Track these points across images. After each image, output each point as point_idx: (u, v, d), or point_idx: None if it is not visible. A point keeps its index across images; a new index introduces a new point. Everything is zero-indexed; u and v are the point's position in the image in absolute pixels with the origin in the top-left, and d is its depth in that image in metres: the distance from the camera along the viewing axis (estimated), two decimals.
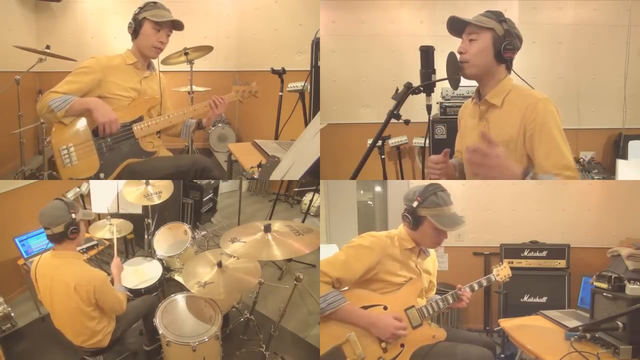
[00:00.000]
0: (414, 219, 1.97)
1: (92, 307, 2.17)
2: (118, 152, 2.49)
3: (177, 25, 2.53)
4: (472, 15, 1.91)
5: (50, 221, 2.12)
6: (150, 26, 2.47)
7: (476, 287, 2.18)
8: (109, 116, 2.38)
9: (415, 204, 1.96)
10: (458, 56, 1.88)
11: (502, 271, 2.27)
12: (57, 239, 2.16)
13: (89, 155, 2.43)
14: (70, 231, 2.14)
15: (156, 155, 2.62)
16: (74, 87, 2.37)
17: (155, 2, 2.51)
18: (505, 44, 1.82)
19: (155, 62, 2.66)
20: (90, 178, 2.46)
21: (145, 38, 2.49)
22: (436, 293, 2.22)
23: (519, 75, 1.93)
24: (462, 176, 2.15)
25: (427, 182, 2.05)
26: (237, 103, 2.88)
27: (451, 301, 2.10)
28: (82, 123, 2.42)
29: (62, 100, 2.32)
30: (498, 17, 1.85)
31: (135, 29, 2.49)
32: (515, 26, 1.87)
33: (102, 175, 2.45)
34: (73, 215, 2.14)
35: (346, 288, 1.99)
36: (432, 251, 2.20)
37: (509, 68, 1.92)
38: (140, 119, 2.54)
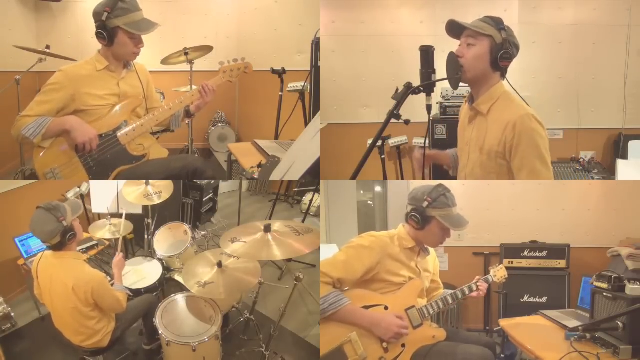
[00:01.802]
0: (422, 218, 1.99)
1: (90, 307, 2.16)
2: (106, 164, 2.39)
3: None
4: (472, 16, 1.92)
5: (45, 237, 2.09)
6: (127, 36, 2.28)
7: (474, 288, 2.17)
8: (89, 134, 2.26)
9: (425, 204, 1.98)
10: None
11: (498, 272, 2.27)
12: (56, 248, 2.15)
13: (76, 173, 2.34)
14: (67, 238, 2.12)
15: (147, 157, 2.51)
16: (46, 108, 2.24)
17: (123, 1, 2.26)
18: (503, 52, 1.82)
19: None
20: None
21: (122, 47, 2.32)
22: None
23: (512, 87, 1.94)
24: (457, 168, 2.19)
25: (427, 181, 2.06)
26: (236, 103, 2.87)
27: (450, 302, 2.10)
28: (62, 142, 2.31)
29: (36, 125, 2.20)
30: (497, 24, 1.85)
31: (109, 37, 2.27)
32: (513, 34, 1.87)
33: None
34: (64, 223, 2.09)
35: (347, 289, 1.99)
36: (432, 250, 2.21)
37: (503, 75, 1.92)
38: (124, 124, 2.42)
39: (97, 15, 2.27)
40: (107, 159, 2.39)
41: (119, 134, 2.41)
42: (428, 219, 2.00)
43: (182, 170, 2.52)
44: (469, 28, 1.85)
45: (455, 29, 1.90)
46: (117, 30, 2.27)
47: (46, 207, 2.09)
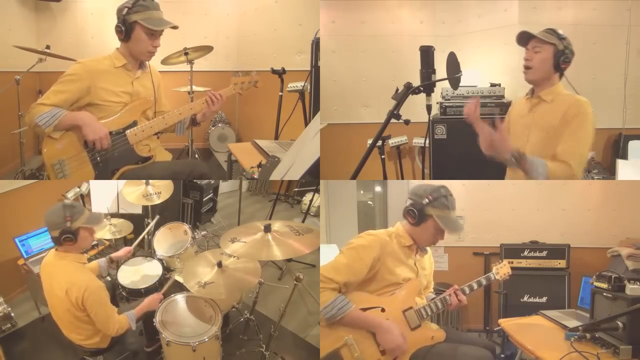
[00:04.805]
0: (419, 214, 2.01)
1: (83, 312, 2.13)
2: (113, 161, 2.40)
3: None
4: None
5: (47, 225, 2.12)
6: (143, 31, 2.32)
7: (475, 287, 2.18)
8: (99, 133, 2.29)
9: (425, 201, 2.01)
10: (523, 62, 2.20)
11: (501, 269, 2.27)
12: (55, 242, 2.16)
13: (83, 167, 2.35)
14: (63, 238, 2.11)
15: (153, 158, 2.53)
16: (61, 98, 2.26)
17: None
18: (564, 57, 2.18)
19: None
20: None
21: (138, 44, 2.36)
22: (436, 293, 2.23)
23: (569, 82, 2.27)
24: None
25: (430, 181, 2.06)
26: (236, 103, 2.87)
27: (449, 301, 2.10)
28: (72, 135, 2.33)
29: (50, 115, 2.21)
30: (558, 35, 2.18)
31: (126, 32, 2.34)
32: (571, 43, 2.20)
33: None
34: (68, 224, 2.09)
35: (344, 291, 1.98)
36: (428, 249, 2.21)
37: (561, 76, 2.25)
38: (134, 124, 2.44)
39: (119, 12, 2.34)
40: (114, 156, 2.41)
41: (128, 132, 2.43)
42: (425, 217, 2.01)
43: (188, 175, 2.57)
44: (536, 37, 2.18)
45: (524, 39, 2.23)
46: (134, 25, 2.32)
47: (64, 203, 2.13)
